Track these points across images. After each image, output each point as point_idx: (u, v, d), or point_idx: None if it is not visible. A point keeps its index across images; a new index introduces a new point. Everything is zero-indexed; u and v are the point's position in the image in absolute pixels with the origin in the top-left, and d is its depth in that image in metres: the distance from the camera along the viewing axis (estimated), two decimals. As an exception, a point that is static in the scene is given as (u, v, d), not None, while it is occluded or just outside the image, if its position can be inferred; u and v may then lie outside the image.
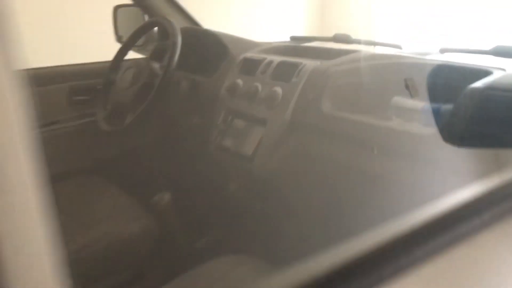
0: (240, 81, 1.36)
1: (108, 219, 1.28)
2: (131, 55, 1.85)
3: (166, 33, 1.50)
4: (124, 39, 1.71)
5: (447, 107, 0.89)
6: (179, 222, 1.31)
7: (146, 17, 1.78)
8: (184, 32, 1.53)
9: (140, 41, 1.89)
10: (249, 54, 1.43)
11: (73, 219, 1.25)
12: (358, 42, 1.52)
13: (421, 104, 1.02)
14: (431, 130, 0.93)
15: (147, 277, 1.29)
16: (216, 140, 1.39)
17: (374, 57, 1.25)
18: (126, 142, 1.68)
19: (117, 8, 1.81)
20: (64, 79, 1.67)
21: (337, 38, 1.55)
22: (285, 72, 1.26)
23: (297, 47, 1.52)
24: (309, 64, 1.23)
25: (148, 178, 1.63)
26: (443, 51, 1.35)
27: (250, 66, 1.38)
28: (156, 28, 1.81)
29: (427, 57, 1.24)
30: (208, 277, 0.94)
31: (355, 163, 1.08)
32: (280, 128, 1.21)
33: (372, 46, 1.50)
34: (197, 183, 1.40)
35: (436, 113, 0.95)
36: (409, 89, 1.16)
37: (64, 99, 1.67)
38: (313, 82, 1.18)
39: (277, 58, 1.33)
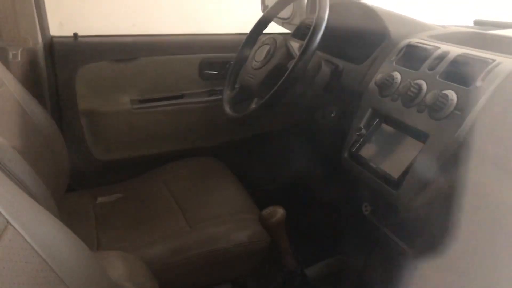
0: (397, 75, 1.02)
1: (218, 219, 1.16)
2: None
3: (314, 6, 1.22)
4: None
5: None
6: (291, 240, 1.06)
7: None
8: (336, 5, 1.23)
9: (287, 14, 1.67)
10: (415, 40, 1.07)
11: (183, 210, 1.20)
12: None
13: None
14: None
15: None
16: (353, 146, 1.08)
17: None
18: (250, 129, 1.50)
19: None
20: (197, 50, 1.52)
21: (545, 28, 1.10)
22: (465, 71, 0.88)
23: (486, 36, 1.11)
24: (506, 62, 0.84)
25: (267, 174, 1.43)
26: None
27: (414, 57, 1.02)
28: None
29: None
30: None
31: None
32: (447, 150, 0.85)
33: None
34: (320, 195, 1.12)
35: None
36: None
37: (196, 71, 1.53)
38: (511, 91, 0.79)
39: (455, 49, 0.95)
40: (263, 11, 1.70)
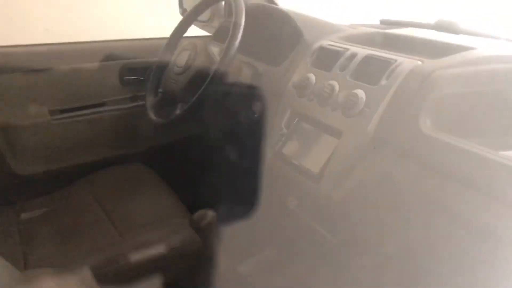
0: (312, 76, 1.08)
1: (149, 226, 1.15)
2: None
3: (231, 9, 1.25)
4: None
5: None
6: (223, 240, 1.10)
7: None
8: (252, 10, 1.28)
9: (205, 17, 1.69)
10: (326, 42, 1.15)
11: (113, 220, 1.18)
12: (469, 33, 1.18)
13: None
14: None
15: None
16: (276, 145, 1.13)
17: (500, 59, 0.92)
18: (175, 133, 1.51)
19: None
20: (117, 56, 1.50)
21: (440, 26, 1.22)
22: (372, 71, 0.97)
23: (391, 36, 1.21)
24: (406, 62, 0.93)
25: (196, 177, 1.46)
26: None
27: (326, 58, 1.09)
28: (223, 3, 1.59)
29: None
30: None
31: (457, 206, 0.78)
32: (359, 144, 0.93)
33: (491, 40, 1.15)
34: (247, 194, 1.17)
35: None
36: None
37: (116, 78, 1.51)
38: (410, 88, 0.88)
39: (362, 51, 1.04)
40: (181, 14, 1.71)
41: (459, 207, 0.78)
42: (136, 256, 1.07)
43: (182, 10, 1.72)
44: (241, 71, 1.24)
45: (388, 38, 1.20)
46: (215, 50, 1.24)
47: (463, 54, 0.92)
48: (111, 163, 1.44)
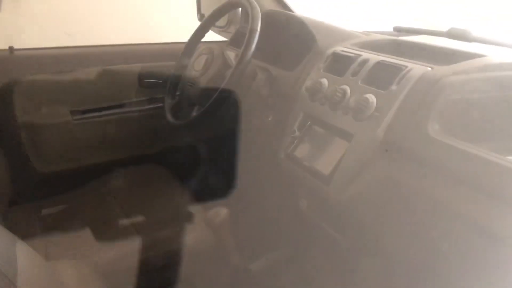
0: (325, 81, 1.11)
1: (164, 223, 1.20)
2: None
3: (247, 16, 1.29)
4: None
5: None
6: (235, 239, 1.13)
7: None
8: (268, 16, 1.32)
9: (222, 22, 1.73)
10: (339, 48, 1.18)
11: (130, 217, 1.22)
12: (481, 40, 1.20)
13: None
14: None
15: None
16: (288, 148, 1.16)
17: (510, 66, 0.94)
18: (192, 135, 1.55)
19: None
20: (137, 59, 1.55)
21: (452, 34, 1.24)
22: (382, 76, 0.99)
23: (402, 43, 1.23)
24: (415, 68, 0.95)
25: (210, 177, 1.49)
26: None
27: (339, 64, 1.12)
28: (240, 9, 1.63)
29: None
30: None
31: (465, 210, 0.80)
32: (369, 147, 0.95)
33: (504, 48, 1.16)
34: (260, 196, 1.21)
35: None
36: None
37: (135, 80, 1.56)
38: (420, 93, 0.90)
39: (374, 57, 1.07)
40: (199, 19, 1.75)
41: (467, 210, 0.80)
42: (151, 252, 1.11)
43: (200, 15, 1.76)
44: (256, 75, 1.27)
45: (400, 45, 1.22)
46: (231, 55, 1.28)
47: (472, 61, 0.94)
48: (129, 163, 1.49)
